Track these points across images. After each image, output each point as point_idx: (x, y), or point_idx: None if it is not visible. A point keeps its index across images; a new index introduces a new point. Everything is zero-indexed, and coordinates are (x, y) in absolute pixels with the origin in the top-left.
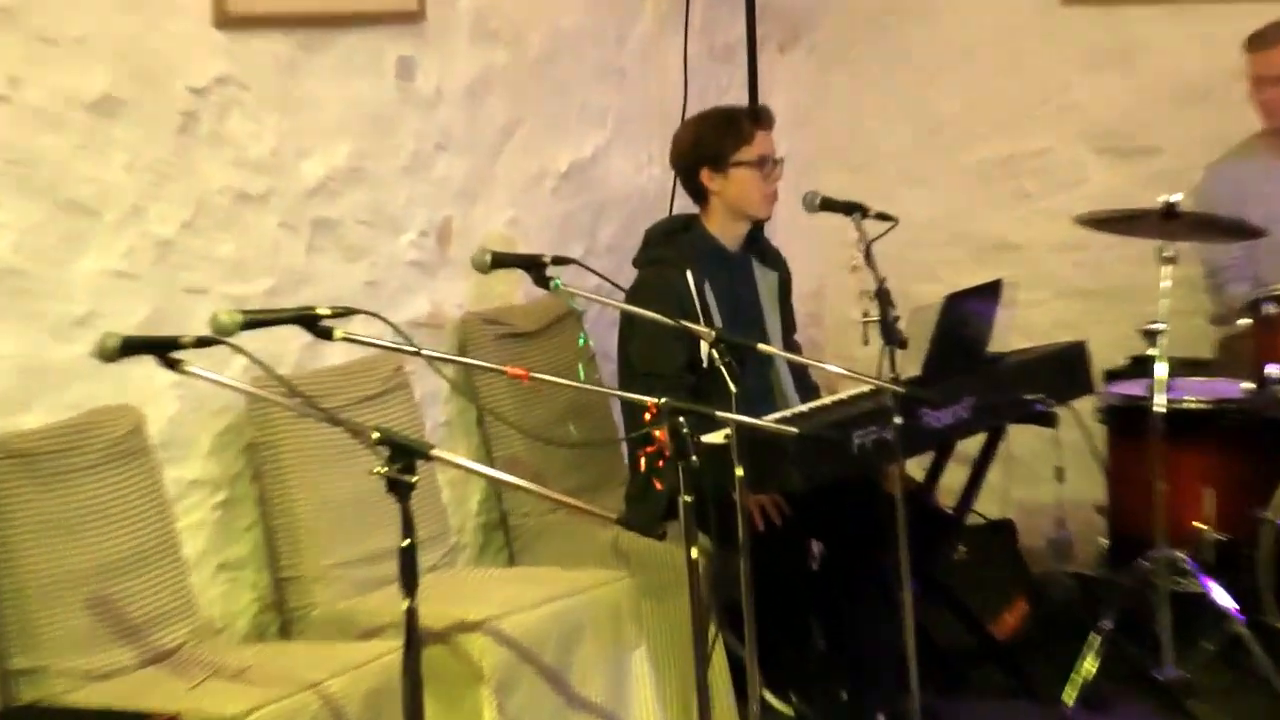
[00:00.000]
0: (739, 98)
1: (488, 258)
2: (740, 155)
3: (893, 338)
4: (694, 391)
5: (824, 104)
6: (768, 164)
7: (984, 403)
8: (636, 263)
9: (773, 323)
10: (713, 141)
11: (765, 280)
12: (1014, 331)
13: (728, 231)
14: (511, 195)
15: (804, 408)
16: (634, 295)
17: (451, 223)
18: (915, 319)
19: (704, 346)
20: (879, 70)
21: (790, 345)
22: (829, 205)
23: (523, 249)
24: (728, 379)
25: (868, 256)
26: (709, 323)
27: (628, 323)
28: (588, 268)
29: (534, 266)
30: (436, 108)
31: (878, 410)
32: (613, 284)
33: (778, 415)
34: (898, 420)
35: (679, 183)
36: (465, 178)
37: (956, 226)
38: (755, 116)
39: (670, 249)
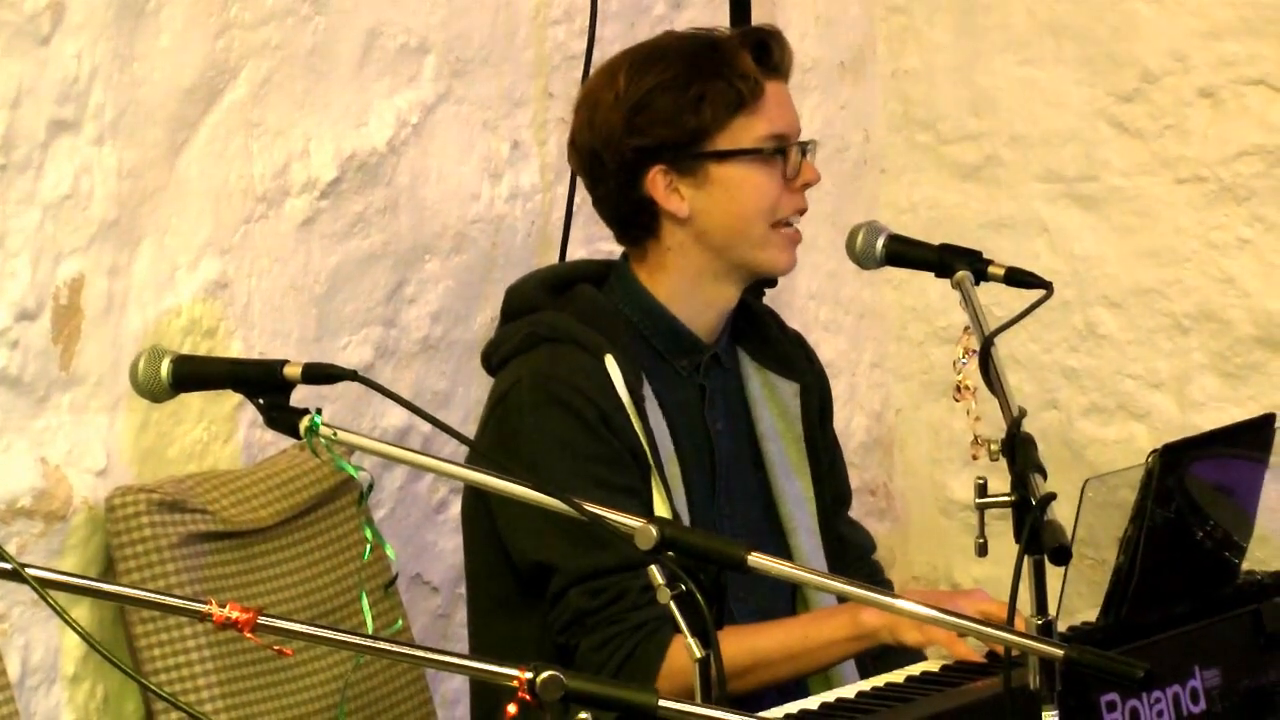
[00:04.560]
0: (715, 15)
1: (164, 368)
2: (733, 136)
3: (1039, 540)
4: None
5: (902, 27)
6: (789, 153)
7: (1240, 676)
8: (492, 357)
9: (793, 491)
10: (672, 108)
11: (773, 401)
12: None
13: (696, 298)
14: (216, 229)
15: (849, 691)
16: (494, 427)
17: (83, 291)
18: (1092, 500)
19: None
20: None
21: (838, 545)
22: (903, 254)
23: (241, 348)
24: (680, 624)
25: (987, 365)
26: (662, 479)
27: (481, 495)
28: (381, 388)
29: (267, 387)
30: (51, 41)
31: (1011, 696)
32: (443, 426)
33: (796, 708)
34: (1053, 717)
35: (592, 200)
36: (115, 193)
37: (1177, 298)
38: (760, 52)
39: (566, 314)
